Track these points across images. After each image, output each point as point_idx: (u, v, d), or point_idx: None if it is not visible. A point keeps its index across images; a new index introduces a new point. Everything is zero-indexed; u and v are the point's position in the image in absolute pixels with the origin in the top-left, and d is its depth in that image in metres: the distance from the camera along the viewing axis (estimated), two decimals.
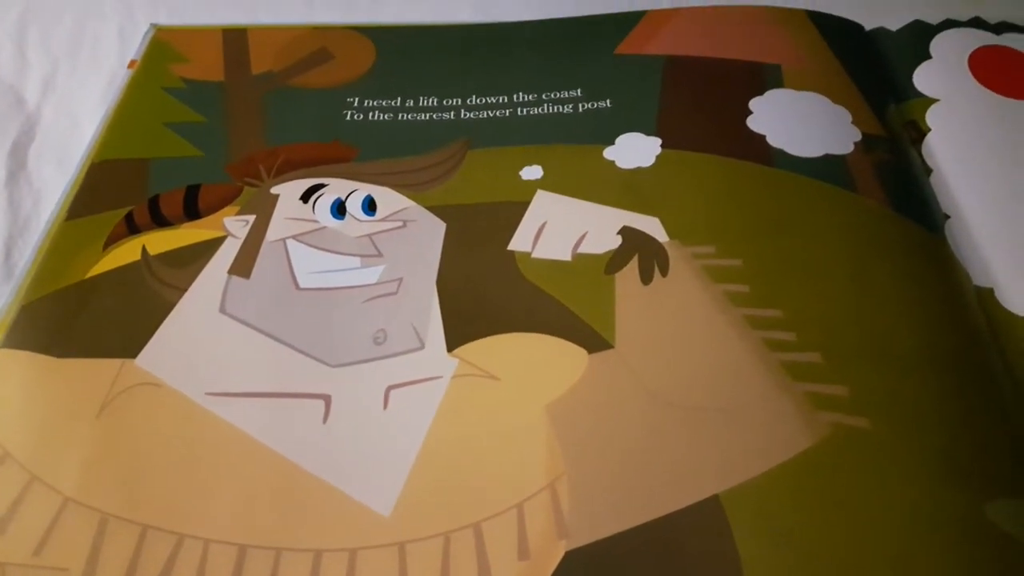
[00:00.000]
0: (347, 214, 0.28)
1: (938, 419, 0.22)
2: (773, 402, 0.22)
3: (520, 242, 0.27)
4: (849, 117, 0.30)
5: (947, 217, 0.28)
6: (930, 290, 0.25)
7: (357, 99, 0.32)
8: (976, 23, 0.34)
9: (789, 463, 0.21)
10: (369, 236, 0.27)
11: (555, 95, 0.32)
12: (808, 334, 0.23)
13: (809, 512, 0.20)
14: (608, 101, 0.31)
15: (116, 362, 0.24)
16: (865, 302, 0.24)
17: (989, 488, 0.21)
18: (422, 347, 0.24)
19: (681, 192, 0.28)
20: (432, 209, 0.28)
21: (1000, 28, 0.34)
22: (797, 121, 0.29)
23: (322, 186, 0.28)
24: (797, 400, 0.22)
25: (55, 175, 0.32)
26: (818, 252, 0.25)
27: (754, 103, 0.30)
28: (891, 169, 0.29)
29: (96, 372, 0.23)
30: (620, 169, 0.29)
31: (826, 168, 0.28)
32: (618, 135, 0.30)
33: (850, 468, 0.21)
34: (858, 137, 0.29)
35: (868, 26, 0.35)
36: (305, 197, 0.28)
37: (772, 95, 0.30)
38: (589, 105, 0.31)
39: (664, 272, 0.25)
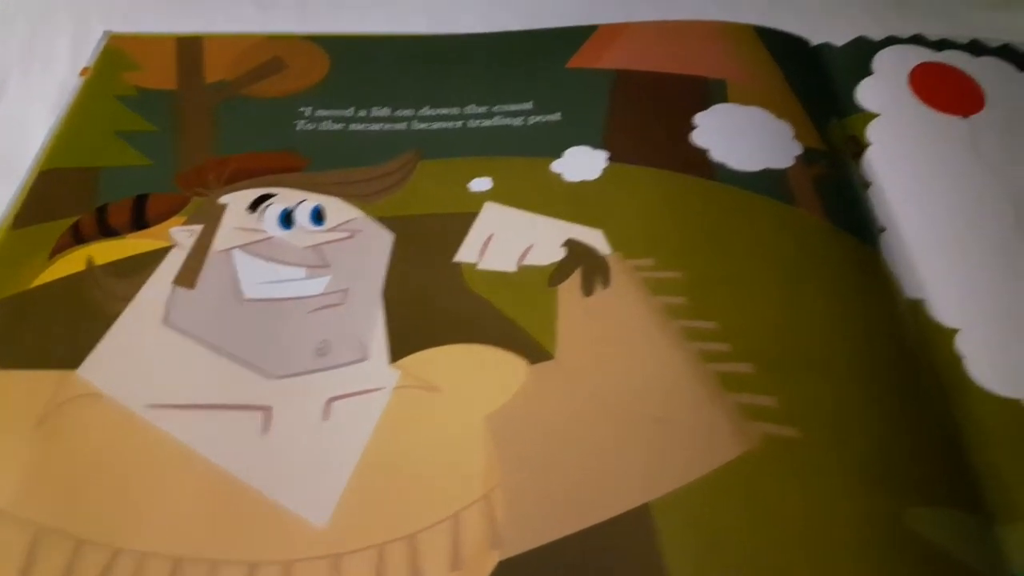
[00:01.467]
0: (295, 224, 0.28)
1: (864, 428, 0.22)
2: (705, 412, 0.22)
3: (467, 253, 0.27)
4: (791, 132, 0.31)
5: (883, 230, 0.29)
6: (862, 301, 0.26)
7: (309, 109, 0.32)
8: (917, 40, 0.35)
9: (719, 472, 0.21)
10: (316, 247, 0.27)
11: (506, 108, 0.32)
12: (742, 345, 0.24)
13: (736, 521, 0.20)
14: (558, 114, 0.32)
15: (57, 373, 0.24)
16: (798, 313, 0.25)
17: (911, 496, 0.21)
18: (365, 359, 0.24)
19: (625, 205, 0.28)
20: (381, 220, 0.28)
21: (941, 45, 0.35)
22: (739, 135, 0.30)
23: (271, 196, 0.29)
24: (729, 410, 0.22)
25: (2, 184, 0.32)
26: (754, 264, 0.26)
27: (698, 117, 0.31)
28: (830, 183, 0.29)
29: (36, 383, 0.23)
30: (567, 182, 0.29)
31: (766, 182, 0.29)
32: (566, 148, 0.30)
33: (778, 477, 0.21)
34: (799, 151, 0.30)
35: (814, 41, 0.36)
36: (253, 207, 0.28)
37: (716, 110, 0.31)
38: (539, 118, 0.32)
39: (605, 284, 0.26)
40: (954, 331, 0.26)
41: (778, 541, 0.20)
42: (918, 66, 0.34)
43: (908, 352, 0.25)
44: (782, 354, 0.24)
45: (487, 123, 0.32)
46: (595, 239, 0.27)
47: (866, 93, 0.33)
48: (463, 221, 0.28)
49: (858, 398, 0.23)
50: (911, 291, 0.27)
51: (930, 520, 0.21)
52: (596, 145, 0.30)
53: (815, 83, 0.34)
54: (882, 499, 0.21)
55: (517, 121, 0.32)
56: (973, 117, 0.32)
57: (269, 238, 0.27)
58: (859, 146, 0.31)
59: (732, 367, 0.23)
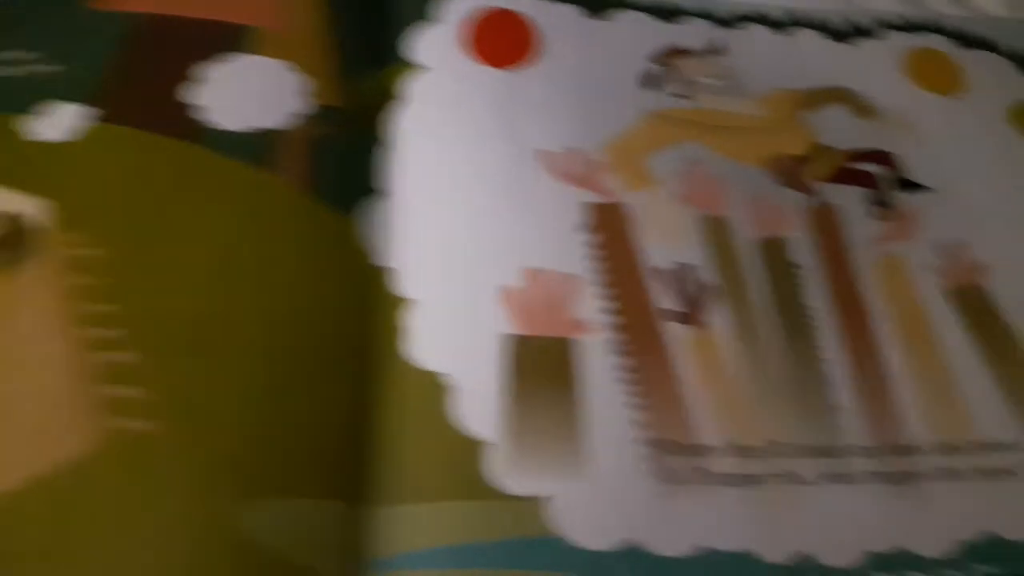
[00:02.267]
0: None
1: (240, 418, 0.22)
2: (50, 407, 0.21)
3: None
4: (308, 87, 0.29)
5: (384, 195, 0.28)
6: (308, 279, 0.25)
7: None
8: None
9: (47, 476, 0.20)
10: None
11: (5, 55, 0.29)
12: (139, 332, 0.23)
13: (51, 533, 0.19)
14: (58, 64, 0.29)
15: None
16: (220, 296, 0.24)
17: (263, 489, 0.21)
18: None
19: (90, 173, 0.26)
20: None
21: None
22: (242, 93, 0.28)
23: None
24: (85, 404, 0.21)
25: None
26: (191, 240, 0.25)
27: (205, 71, 0.28)
28: (330, 145, 0.28)
29: None
30: (38, 143, 0.26)
31: (251, 145, 0.27)
32: (51, 103, 0.27)
33: (117, 482, 0.20)
34: (308, 110, 0.28)
35: None
36: None
37: (227, 63, 0.29)
38: (38, 68, 0.29)
39: (22, 263, 0.24)
40: (408, 302, 0.25)
41: (101, 557, 0.19)
42: (477, 13, 0.32)
43: (345, 330, 0.24)
44: (180, 341, 0.23)
45: None
46: (38, 210, 0.25)
47: (420, 44, 0.31)
48: None
49: (249, 385, 0.22)
50: (384, 261, 0.26)
51: (278, 517, 0.20)
52: (86, 101, 0.27)
53: (373, 31, 0.32)
54: (222, 500, 0.20)
55: (13, 71, 0.28)
56: (516, 71, 0.31)
57: None
58: (392, 103, 0.30)
59: (116, 356, 0.22)
